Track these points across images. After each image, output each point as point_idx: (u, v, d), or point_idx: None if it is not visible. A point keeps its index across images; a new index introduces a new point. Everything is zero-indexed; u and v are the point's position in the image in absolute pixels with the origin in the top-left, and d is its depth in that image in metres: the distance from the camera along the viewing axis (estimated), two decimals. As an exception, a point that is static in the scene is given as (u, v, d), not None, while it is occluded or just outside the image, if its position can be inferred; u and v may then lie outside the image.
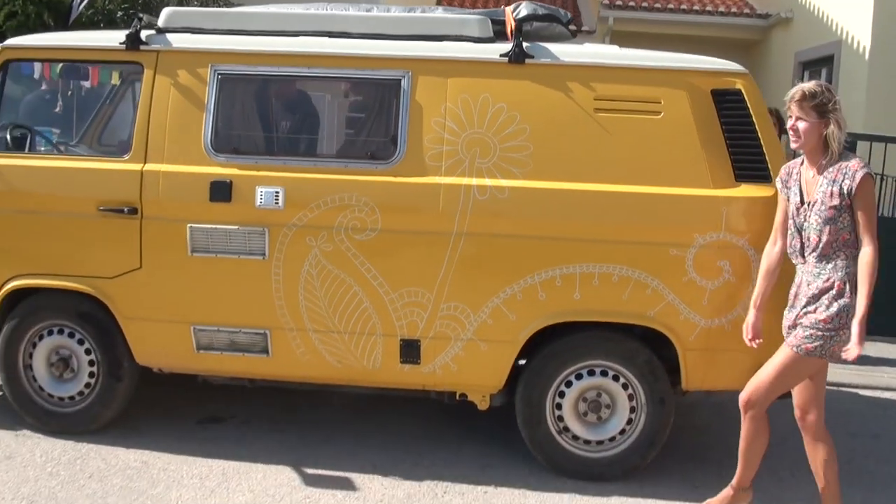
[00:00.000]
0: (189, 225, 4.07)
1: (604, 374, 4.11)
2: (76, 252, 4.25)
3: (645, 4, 13.82)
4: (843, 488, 4.25)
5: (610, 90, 3.99)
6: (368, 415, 4.90)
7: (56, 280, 4.30)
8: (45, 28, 8.03)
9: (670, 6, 13.84)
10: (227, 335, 4.17)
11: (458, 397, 4.24)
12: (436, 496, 3.95)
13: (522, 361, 4.18)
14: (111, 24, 8.73)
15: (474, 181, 3.96)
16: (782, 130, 6.09)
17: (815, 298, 3.53)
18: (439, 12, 4.38)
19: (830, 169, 3.51)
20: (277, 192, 3.99)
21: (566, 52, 4.09)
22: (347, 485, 4.00)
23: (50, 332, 4.42)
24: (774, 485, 4.28)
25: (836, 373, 6.14)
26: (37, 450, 4.29)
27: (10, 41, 4.51)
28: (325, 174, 4.03)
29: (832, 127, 3.48)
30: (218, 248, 4.07)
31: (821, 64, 11.55)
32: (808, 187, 3.60)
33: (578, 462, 4.14)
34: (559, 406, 4.13)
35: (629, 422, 4.14)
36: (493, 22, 4.33)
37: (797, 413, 3.71)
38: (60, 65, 5.56)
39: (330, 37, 4.17)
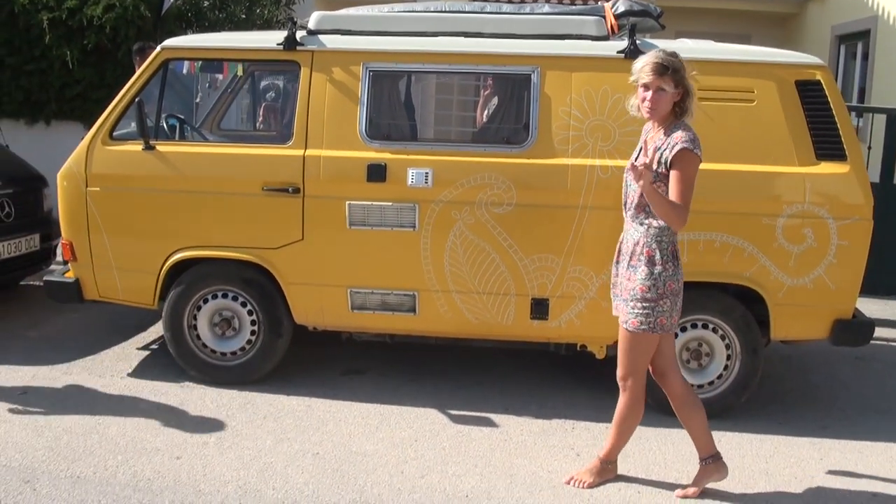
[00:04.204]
0: (347, 202, 4.71)
1: (704, 326, 4.75)
2: (241, 226, 4.86)
3: (684, -22, 14.17)
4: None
5: (711, 81, 4.55)
6: (489, 367, 5.55)
7: (222, 251, 4.92)
8: (141, 20, 8.58)
9: (709, -21, 14.16)
10: (379, 296, 4.82)
11: (578, 348, 4.90)
12: (566, 431, 4.63)
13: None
14: (199, 13, 9.27)
15: (597, 162, 4.60)
16: None
17: (630, 263, 3.68)
18: (559, 13, 4.96)
19: (663, 135, 3.63)
20: (427, 173, 4.62)
21: (672, 48, 4.68)
22: (489, 423, 4.68)
23: (214, 297, 5.05)
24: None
25: (885, 330, 6.76)
26: (205, 398, 4.92)
27: (169, 42, 5.07)
28: (467, 157, 4.67)
29: (689, 97, 3.59)
30: (373, 222, 4.71)
31: (857, 38, 11.87)
32: (646, 147, 3.75)
33: (683, 402, 4.78)
34: (666, 355, 4.78)
35: (725, 368, 4.78)
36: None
37: (655, 377, 3.94)
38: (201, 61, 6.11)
39: (465, 36, 4.79)
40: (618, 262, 3.82)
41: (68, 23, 8.60)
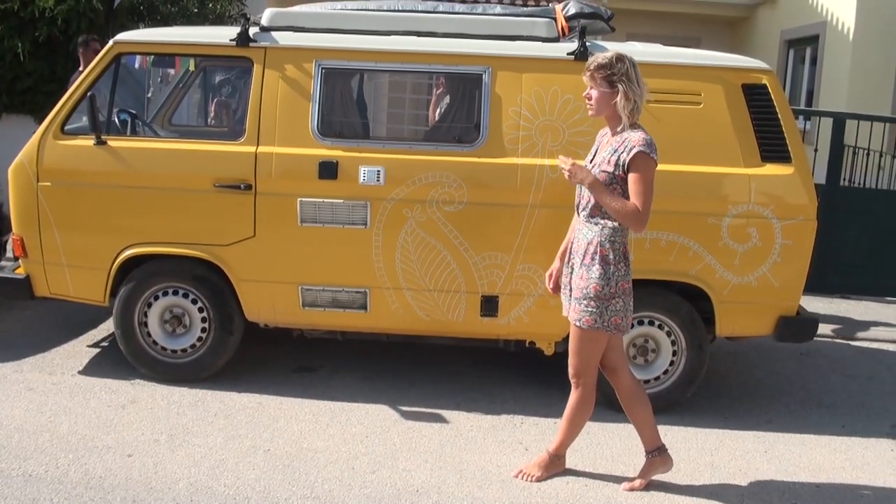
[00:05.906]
0: (299, 199, 4.72)
1: (650, 323, 4.84)
2: (192, 223, 4.84)
3: (637, -18, 14.36)
4: (847, 420, 5.04)
5: (660, 84, 4.62)
6: (441, 364, 5.60)
7: (173, 248, 4.90)
8: (93, 12, 8.48)
9: (660, -18, 14.36)
10: (330, 294, 4.84)
11: (527, 344, 4.97)
12: (515, 426, 4.69)
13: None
14: (151, 7, 9.18)
15: (546, 161, 4.67)
16: None
17: (583, 262, 3.72)
18: (511, 14, 5.01)
19: (618, 138, 3.67)
20: (379, 171, 4.65)
21: (621, 51, 4.76)
22: (440, 419, 4.72)
23: (165, 294, 5.02)
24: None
25: (830, 327, 6.93)
26: (156, 395, 4.89)
27: (122, 36, 5.03)
28: (419, 155, 4.71)
29: (620, 97, 3.61)
30: (325, 219, 4.73)
31: (806, 43, 12.11)
32: (601, 149, 3.80)
33: (630, 398, 4.86)
34: (614, 351, 4.86)
35: (671, 363, 4.88)
36: (548, 20, 4.99)
37: (604, 371, 3.97)
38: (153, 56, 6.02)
39: (418, 35, 4.82)
40: (569, 263, 3.87)
41: (20, 14, 8.46)
